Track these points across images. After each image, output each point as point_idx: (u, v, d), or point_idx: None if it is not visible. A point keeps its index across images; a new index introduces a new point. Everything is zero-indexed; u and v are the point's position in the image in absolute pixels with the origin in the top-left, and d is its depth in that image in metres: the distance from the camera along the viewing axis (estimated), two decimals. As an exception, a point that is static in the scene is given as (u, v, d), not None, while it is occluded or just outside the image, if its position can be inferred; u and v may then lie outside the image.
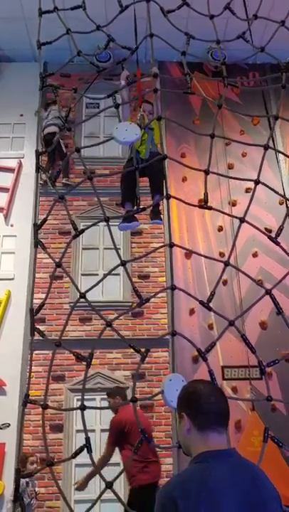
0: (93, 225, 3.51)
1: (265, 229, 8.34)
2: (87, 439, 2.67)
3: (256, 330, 7.72)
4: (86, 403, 2.95)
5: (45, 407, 2.84)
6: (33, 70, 9.32)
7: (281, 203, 8.47)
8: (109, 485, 2.45)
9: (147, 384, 7.30)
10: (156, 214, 5.25)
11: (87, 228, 3.50)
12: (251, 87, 8.78)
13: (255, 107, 9.36)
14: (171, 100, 9.25)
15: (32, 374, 7.35)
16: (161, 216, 5.43)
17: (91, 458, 2.67)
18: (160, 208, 5.59)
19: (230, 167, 8.96)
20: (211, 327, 7.73)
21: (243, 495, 1.50)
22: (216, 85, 9.31)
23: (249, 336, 3.82)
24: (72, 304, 7.77)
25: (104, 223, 3.40)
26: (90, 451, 2.62)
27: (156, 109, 4.58)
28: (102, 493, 2.43)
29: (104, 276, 3.49)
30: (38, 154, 3.64)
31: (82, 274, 8.14)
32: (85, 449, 2.63)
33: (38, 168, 3.59)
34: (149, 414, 7.06)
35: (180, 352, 7.24)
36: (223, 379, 7.40)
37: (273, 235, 8.18)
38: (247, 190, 8.64)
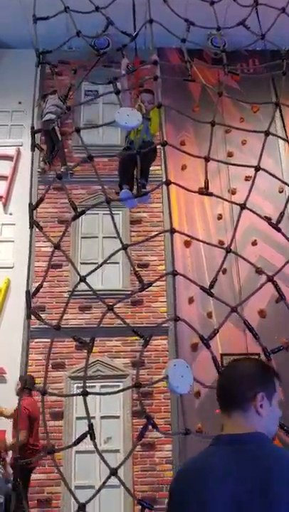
0: (94, 206, 3.47)
1: (265, 217, 8.36)
2: (90, 426, 2.68)
3: (255, 318, 7.74)
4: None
5: (44, 393, 2.85)
6: (31, 57, 9.15)
7: (281, 191, 8.45)
8: (113, 471, 2.46)
9: (147, 371, 7.34)
10: (142, 193, 5.28)
11: (88, 209, 3.45)
12: (251, 74, 8.71)
13: (255, 94, 9.29)
14: (170, 88, 9.17)
15: (32, 362, 7.40)
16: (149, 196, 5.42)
17: (94, 444, 2.67)
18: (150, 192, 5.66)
19: (230, 155, 8.92)
20: (210, 315, 7.76)
21: (239, 484, 1.35)
22: (215, 72, 9.22)
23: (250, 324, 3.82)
24: (71, 292, 7.83)
25: (103, 212, 3.38)
26: (93, 437, 2.62)
27: (156, 97, 4.56)
28: (106, 479, 2.44)
29: (105, 260, 3.45)
30: (33, 132, 3.57)
31: (82, 263, 8.14)
32: (88, 435, 2.64)
33: (33, 147, 3.54)
34: (148, 402, 7.11)
35: (179, 340, 7.26)
36: (222, 366, 7.43)
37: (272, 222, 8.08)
38: (246, 179, 8.60)
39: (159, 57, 10.37)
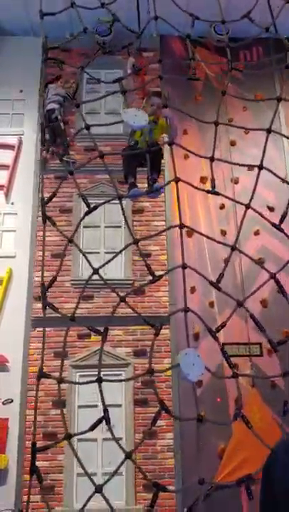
0: (107, 202, 3.45)
1: (267, 207, 8.34)
2: (105, 411, 2.70)
3: (257, 308, 7.75)
4: (88, 379, 2.99)
5: (60, 381, 2.89)
6: (32, 45, 9.17)
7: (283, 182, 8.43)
8: (128, 455, 2.51)
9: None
10: (153, 187, 5.49)
11: (101, 204, 3.43)
12: (255, 70, 8.63)
13: (257, 83, 9.23)
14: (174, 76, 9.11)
15: (34, 351, 7.45)
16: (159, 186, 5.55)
17: (110, 429, 2.70)
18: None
19: (233, 144, 8.87)
20: (211, 305, 7.78)
21: None
22: (218, 61, 9.15)
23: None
24: (73, 282, 7.85)
25: (107, 202, 3.37)
26: (108, 422, 2.65)
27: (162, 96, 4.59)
28: (121, 463, 2.48)
29: (117, 253, 3.44)
30: (43, 127, 3.56)
31: (86, 253, 8.14)
32: (104, 420, 2.66)
33: (43, 142, 3.53)
34: (149, 390, 7.15)
35: (180, 329, 7.30)
36: (224, 355, 7.46)
37: (275, 212, 8.10)
38: (249, 168, 8.57)
39: (162, 46, 10.34)
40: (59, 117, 8.46)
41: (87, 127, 3.40)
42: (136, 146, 5.27)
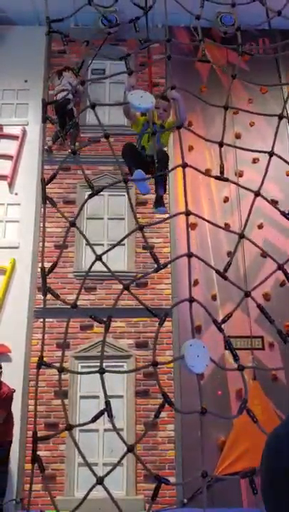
0: (110, 186, 3.41)
1: (272, 200, 8.30)
2: (108, 403, 2.69)
3: (259, 301, 7.70)
4: (90, 370, 3.00)
5: (61, 370, 2.89)
6: (37, 35, 9.10)
7: (288, 174, 8.39)
8: (131, 448, 2.51)
9: (150, 352, 7.39)
10: (160, 203, 5.26)
11: (105, 187, 3.39)
12: (261, 54, 8.55)
13: (263, 75, 9.15)
14: (177, 67, 9.04)
15: (36, 341, 7.48)
16: (166, 205, 5.45)
17: (111, 421, 2.70)
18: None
19: (238, 137, 8.83)
20: (214, 298, 7.78)
21: None
22: (224, 52, 9.08)
23: (253, 308, 3.84)
24: (76, 273, 7.86)
25: (108, 194, 3.35)
26: (110, 415, 2.64)
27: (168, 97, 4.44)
28: (122, 456, 2.49)
29: (120, 241, 3.39)
30: (44, 104, 3.50)
31: (87, 244, 8.13)
32: (106, 412, 2.66)
33: (44, 119, 3.47)
34: (152, 382, 7.18)
35: (182, 321, 7.32)
36: (226, 349, 7.47)
37: (279, 205, 8.09)
38: (254, 161, 8.54)
39: (168, 37, 10.19)
40: (74, 108, 8.45)
41: (93, 106, 3.34)
42: (143, 153, 4.95)
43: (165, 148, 5.14)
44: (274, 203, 8.25)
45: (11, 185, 8.49)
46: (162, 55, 3.62)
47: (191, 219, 8.75)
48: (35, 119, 8.88)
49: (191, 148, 8.62)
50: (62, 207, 8.21)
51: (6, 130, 8.83)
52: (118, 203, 8.26)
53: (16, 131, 8.81)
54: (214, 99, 8.93)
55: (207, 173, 8.49)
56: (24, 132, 8.81)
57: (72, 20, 9.16)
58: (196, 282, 7.82)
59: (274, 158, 3.58)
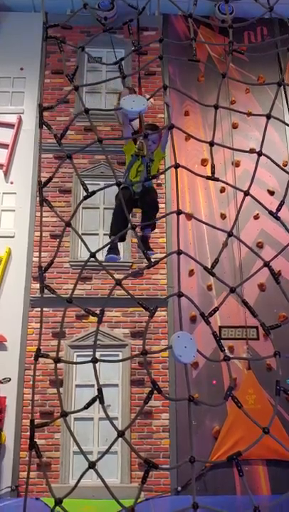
0: (105, 188, 3.44)
1: (268, 191, 8.31)
2: (100, 390, 2.74)
3: (255, 291, 7.79)
4: (86, 359, 3.01)
5: (57, 360, 2.91)
6: (33, 21, 9.02)
7: (285, 165, 8.37)
8: (121, 433, 2.55)
9: (146, 342, 7.43)
10: (147, 247, 5.30)
11: (100, 190, 3.42)
12: (259, 45, 8.51)
13: (261, 64, 9.12)
14: (175, 56, 8.98)
15: (32, 330, 7.49)
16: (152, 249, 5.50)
17: (104, 408, 2.75)
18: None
19: (235, 126, 8.80)
20: (209, 288, 7.80)
21: None
22: (222, 41, 9.03)
23: (248, 298, 3.86)
24: (72, 263, 7.86)
25: (104, 183, 3.34)
26: (102, 402, 2.69)
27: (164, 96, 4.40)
28: (114, 441, 2.53)
29: (116, 237, 3.41)
30: (41, 110, 3.50)
31: (83, 234, 8.12)
32: (98, 399, 2.71)
33: (41, 124, 3.46)
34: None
35: (177, 311, 7.34)
36: (221, 339, 7.51)
37: (275, 196, 8.04)
38: (251, 151, 8.52)
39: (165, 25, 10.15)
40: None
41: (86, 111, 3.35)
42: (131, 188, 4.85)
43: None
44: (270, 193, 8.30)
45: (6, 173, 8.45)
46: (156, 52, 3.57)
47: (188, 209, 8.72)
48: (31, 107, 8.81)
49: (187, 138, 8.59)
50: (59, 196, 8.19)
51: (2, 118, 8.75)
52: (114, 193, 8.22)
53: (12, 119, 8.74)
54: (212, 88, 8.92)
55: (203, 163, 8.50)
56: (20, 121, 8.74)
57: (69, 5, 9.06)
58: (191, 272, 7.84)
59: (271, 147, 3.58)
